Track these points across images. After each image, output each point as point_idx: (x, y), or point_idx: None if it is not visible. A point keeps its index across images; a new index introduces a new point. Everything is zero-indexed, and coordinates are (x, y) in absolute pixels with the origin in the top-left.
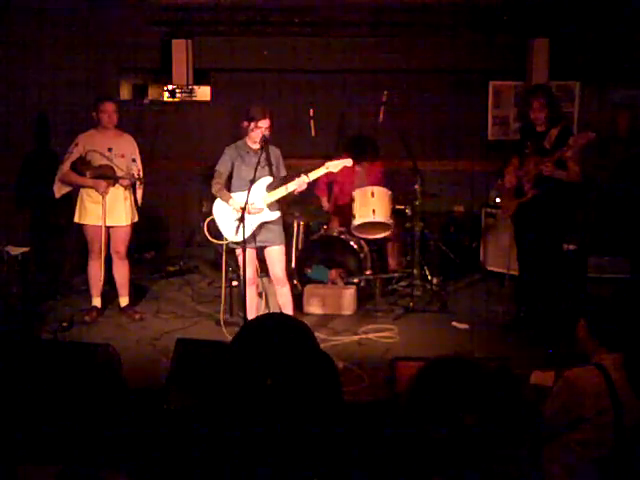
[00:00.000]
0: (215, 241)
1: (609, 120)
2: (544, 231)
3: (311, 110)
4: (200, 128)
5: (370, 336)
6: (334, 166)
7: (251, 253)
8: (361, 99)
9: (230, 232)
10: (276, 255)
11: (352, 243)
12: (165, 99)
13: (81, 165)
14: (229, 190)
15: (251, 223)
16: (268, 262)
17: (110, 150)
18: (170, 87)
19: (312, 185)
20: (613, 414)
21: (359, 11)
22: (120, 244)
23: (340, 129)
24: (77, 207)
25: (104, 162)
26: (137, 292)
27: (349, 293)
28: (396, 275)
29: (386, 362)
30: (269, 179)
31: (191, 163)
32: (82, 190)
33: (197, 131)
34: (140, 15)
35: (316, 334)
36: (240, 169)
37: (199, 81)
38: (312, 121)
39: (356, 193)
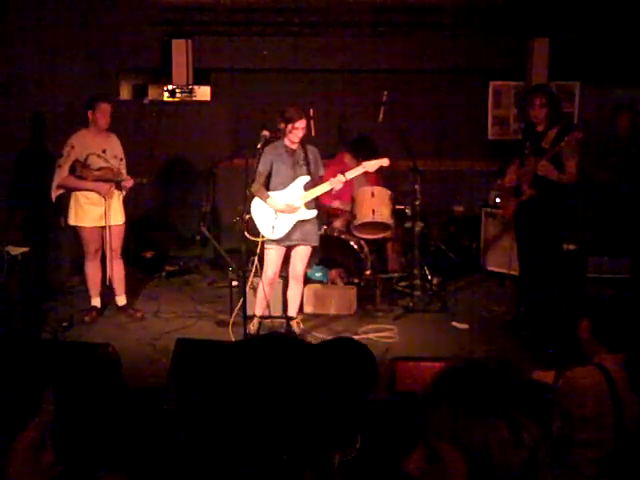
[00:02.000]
0: (252, 238)
1: (609, 120)
2: (543, 231)
3: (311, 110)
4: (200, 128)
5: (370, 336)
6: (371, 166)
7: (281, 251)
8: (361, 99)
9: (267, 230)
10: (303, 253)
11: (352, 243)
12: (165, 99)
13: (81, 169)
14: (268, 189)
15: (288, 222)
16: (293, 258)
17: (104, 152)
18: (170, 87)
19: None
20: (614, 414)
21: (359, 11)
22: (117, 243)
23: (340, 129)
24: (71, 209)
25: (103, 164)
26: (137, 292)
27: (349, 293)
28: (396, 275)
29: (386, 362)
30: (306, 178)
31: (191, 163)
32: (78, 193)
33: (197, 131)
34: (140, 15)
35: (316, 334)
36: (279, 168)
37: (199, 81)
38: (312, 121)
39: (356, 193)
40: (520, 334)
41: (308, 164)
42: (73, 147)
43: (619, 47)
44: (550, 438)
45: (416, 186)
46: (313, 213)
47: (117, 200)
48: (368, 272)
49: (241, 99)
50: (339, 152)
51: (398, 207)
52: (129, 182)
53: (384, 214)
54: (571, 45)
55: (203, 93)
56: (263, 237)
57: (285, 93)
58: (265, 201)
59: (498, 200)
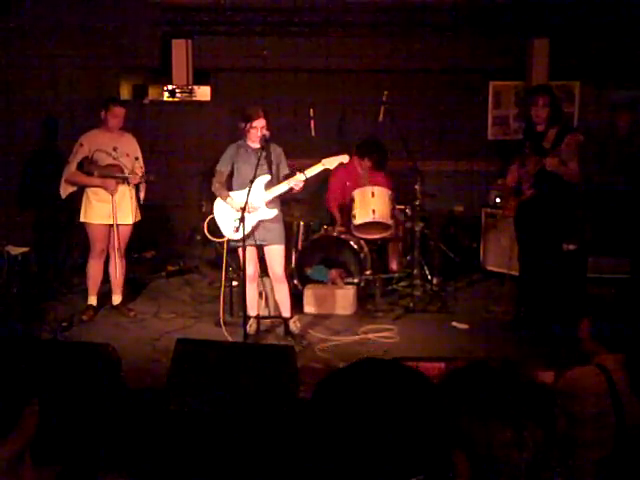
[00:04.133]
0: (214, 239)
1: (609, 120)
2: (544, 231)
3: (311, 110)
4: (200, 128)
5: (370, 336)
6: (330, 162)
7: (251, 251)
8: (361, 99)
9: (228, 230)
10: (275, 254)
11: (352, 243)
12: (165, 99)
13: (88, 165)
14: (230, 189)
15: (248, 221)
16: (267, 260)
17: (115, 149)
18: (170, 87)
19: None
20: (614, 415)
21: (359, 11)
22: (123, 242)
23: (340, 129)
24: (83, 206)
25: (111, 161)
26: (137, 292)
27: (349, 293)
28: (396, 275)
29: None
30: (267, 177)
31: (191, 163)
32: (88, 189)
33: (197, 131)
34: (140, 15)
35: (316, 334)
36: (240, 168)
37: (199, 81)
38: (312, 121)
39: (356, 193)
40: (520, 334)
41: (270, 163)
42: (82, 145)
43: (619, 47)
44: (555, 439)
45: (416, 186)
46: (273, 212)
47: (128, 199)
48: (368, 272)
49: (241, 99)
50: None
51: (398, 207)
52: (134, 179)
53: (384, 214)
54: (571, 45)
55: (203, 93)
56: (225, 238)
57: (285, 93)
58: (225, 200)
59: (498, 200)
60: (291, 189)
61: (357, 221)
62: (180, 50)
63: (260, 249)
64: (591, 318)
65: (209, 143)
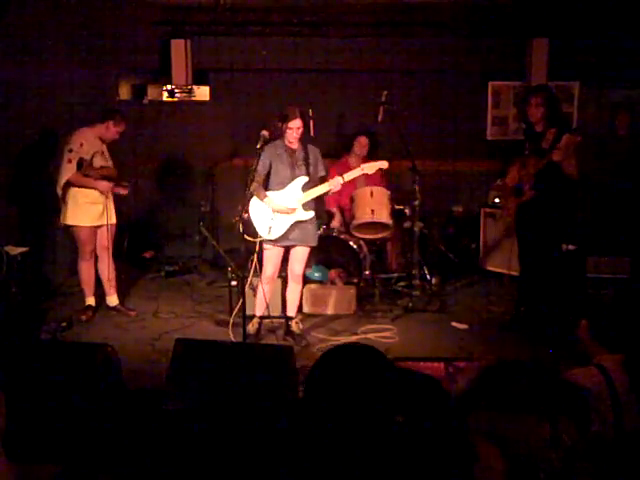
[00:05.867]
0: (249, 238)
1: (608, 120)
2: (543, 231)
3: (310, 110)
4: (199, 128)
5: (369, 336)
6: (369, 168)
7: (279, 251)
8: (361, 99)
9: (264, 230)
10: (301, 254)
11: (351, 243)
12: (164, 99)
13: (87, 166)
14: (267, 188)
15: (285, 222)
16: (291, 259)
17: (103, 153)
18: (169, 87)
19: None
20: (613, 415)
21: (359, 11)
22: (110, 242)
23: (340, 129)
24: (69, 208)
25: (104, 163)
26: (136, 292)
27: (348, 293)
28: (395, 275)
29: None
30: (305, 179)
31: (190, 163)
32: (76, 191)
33: (196, 131)
34: (140, 15)
35: (316, 334)
36: (278, 168)
37: (198, 81)
38: (311, 121)
39: (355, 193)
40: (519, 334)
41: (307, 165)
42: (82, 145)
43: (618, 47)
44: (588, 437)
45: (415, 186)
46: (310, 214)
47: (111, 199)
48: (367, 272)
49: (240, 99)
50: (343, 155)
51: (397, 207)
52: (125, 190)
53: (383, 214)
54: (571, 45)
55: (202, 93)
56: (260, 237)
57: (285, 93)
58: (262, 200)
59: (497, 200)
60: (328, 191)
61: (356, 221)
62: (179, 50)
63: (287, 249)
64: (590, 318)
65: (208, 143)
